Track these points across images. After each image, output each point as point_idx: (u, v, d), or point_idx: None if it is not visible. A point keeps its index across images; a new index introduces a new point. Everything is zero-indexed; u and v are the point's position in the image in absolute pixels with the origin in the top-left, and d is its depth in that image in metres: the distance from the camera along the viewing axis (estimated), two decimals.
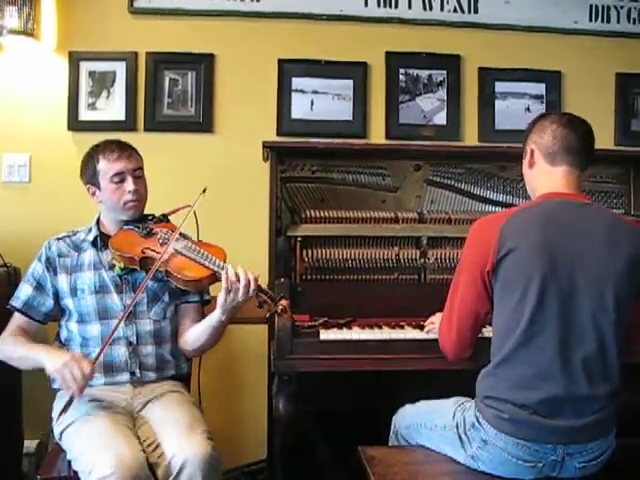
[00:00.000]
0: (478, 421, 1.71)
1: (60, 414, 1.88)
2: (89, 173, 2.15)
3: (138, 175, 2.16)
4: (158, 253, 2.04)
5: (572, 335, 1.64)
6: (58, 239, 2.19)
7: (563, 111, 3.02)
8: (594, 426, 1.65)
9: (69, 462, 1.88)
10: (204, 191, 2.13)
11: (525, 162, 1.91)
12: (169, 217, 2.23)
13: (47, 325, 2.19)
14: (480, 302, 1.78)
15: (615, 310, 1.66)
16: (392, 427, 2.05)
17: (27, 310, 2.11)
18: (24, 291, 2.12)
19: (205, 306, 2.24)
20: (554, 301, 1.65)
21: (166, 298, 2.18)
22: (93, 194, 2.16)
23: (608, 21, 3.13)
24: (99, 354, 1.95)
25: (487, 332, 1.89)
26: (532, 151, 1.87)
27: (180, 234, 2.12)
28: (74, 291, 2.11)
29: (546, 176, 1.83)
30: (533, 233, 1.69)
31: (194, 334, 2.13)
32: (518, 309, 1.67)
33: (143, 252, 2.06)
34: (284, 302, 1.97)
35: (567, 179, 1.80)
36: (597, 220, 1.74)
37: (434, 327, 2.08)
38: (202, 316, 2.18)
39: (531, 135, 1.88)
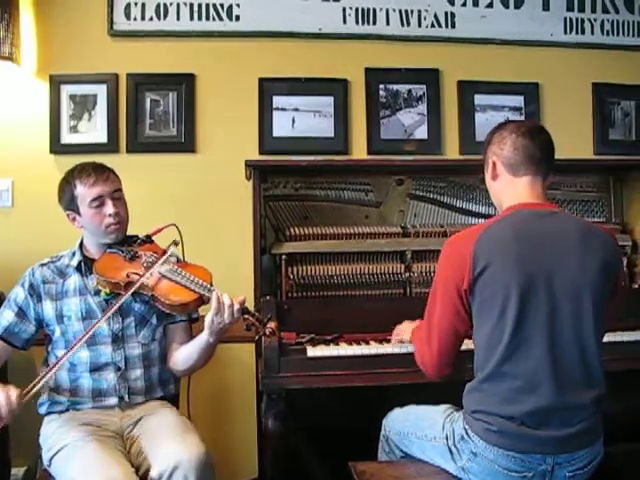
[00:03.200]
0: (467, 433, 1.72)
1: None
2: (67, 199, 2.13)
3: (117, 197, 2.14)
4: (141, 276, 2.04)
5: (554, 345, 1.65)
6: (42, 265, 2.17)
7: (539, 121, 3.07)
8: (582, 434, 1.66)
9: None
10: (176, 244, 2.15)
11: (487, 175, 1.90)
12: (152, 237, 2.22)
13: (32, 350, 2.18)
14: (459, 320, 1.76)
15: (594, 316, 1.67)
16: (382, 430, 2.06)
17: (7, 337, 2.08)
18: (5, 317, 2.09)
19: (193, 324, 2.24)
20: (534, 314, 1.65)
21: (154, 320, 2.17)
22: (74, 220, 2.15)
23: (583, 33, 3.18)
24: (59, 361, 1.92)
25: (469, 344, 1.86)
26: (494, 163, 1.86)
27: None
28: (60, 318, 2.10)
29: (510, 187, 1.83)
30: (505, 248, 1.69)
31: (184, 354, 2.13)
32: (499, 325, 1.66)
33: (128, 276, 2.05)
34: (272, 324, 1.97)
35: (531, 188, 1.81)
36: (567, 228, 1.74)
37: (401, 338, 2.14)
38: (190, 334, 2.19)
39: (491, 147, 1.88)
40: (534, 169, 1.81)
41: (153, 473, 1.81)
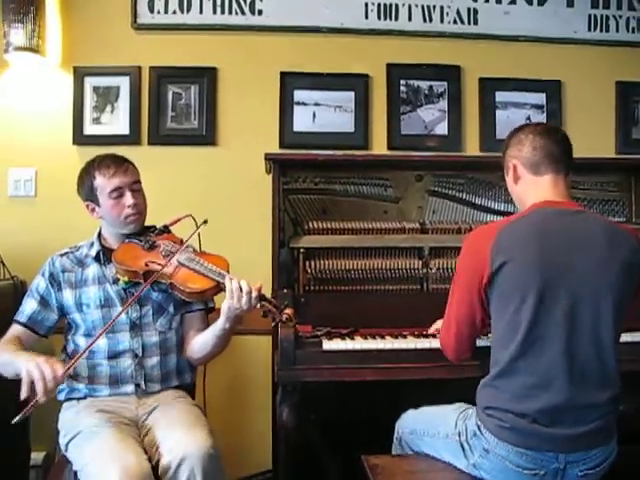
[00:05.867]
0: (479, 430, 1.72)
1: (19, 417, 1.76)
2: (86, 190, 2.16)
3: (136, 188, 2.17)
4: (161, 266, 2.07)
5: (570, 344, 1.64)
6: (61, 255, 2.21)
7: (560, 119, 3.08)
8: (595, 433, 1.65)
9: (75, 473, 1.89)
10: (205, 222, 2.15)
11: (509, 179, 1.90)
12: (170, 228, 2.25)
13: (51, 338, 2.21)
14: (476, 311, 1.78)
15: (613, 317, 1.66)
16: (395, 433, 2.06)
17: (32, 325, 2.12)
18: (29, 306, 2.13)
19: (210, 313, 2.26)
20: (551, 311, 1.65)
21: (171, 309, 2.20)
22: (93, 210, 2.18)
23: (607, 30, 3.15)
24: (81, 355, 1.95)
25: (487, 341, 1.88)
26: (515, 166, 1.86)
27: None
28: (79, 306, 2.13)
29: (533, 187, 1.83)
30: (527, 244, 1.69)
31: (200, 342, 2.15)
32: (515, 321, 1.67)
33: (146, 265, 2.08)
34: (289, 311, 1.99)
35: (554, 186, 1.80)
36: (590, 227, 1.74)
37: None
38: (207, 323, 2.21)
39: (509, 151, 1.88)
40: (555, 167, 1.81)
41: (162, 464, 1.83)
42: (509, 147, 1.89)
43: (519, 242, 1.71)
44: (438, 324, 2.15)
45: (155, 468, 1.84)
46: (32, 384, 1.79)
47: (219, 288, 2.04)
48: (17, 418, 1.76)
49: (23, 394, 1.78)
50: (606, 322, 1.66)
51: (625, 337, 2.08)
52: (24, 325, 2.11)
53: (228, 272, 2.05)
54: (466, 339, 1.84)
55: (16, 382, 1.82)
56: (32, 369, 1.79)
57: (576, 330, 1.65)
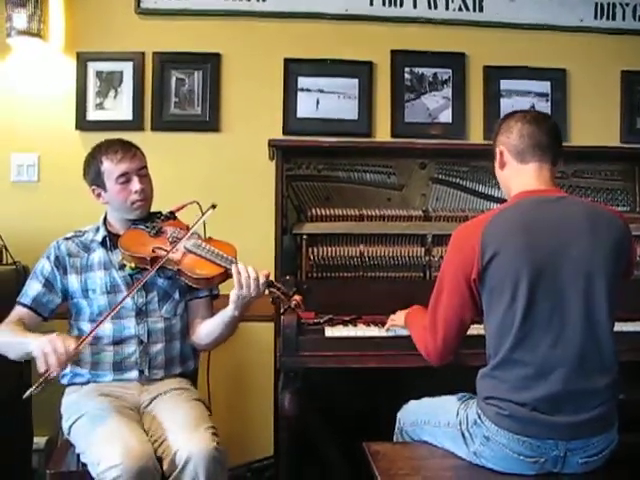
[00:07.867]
0: (480, 418, 1.72)
1: (32, 390, 1.78)
2: (93, 174, 2.15)
3: (143, 174, 2.16)
4: (168, 252, 2.06)
5: (566, 331, 1.65)
6: (66, 239, 2.20)
7: (565, 108, 3.08)
8: (595, 421, 1.65)
9: (78, 456, 1.90)
10: (214, 207, 2.15)
11: (496, 164, 1.91)
12: (176, 214, 2.25)
13: (54, 323, 2.20)
14: (467, 309, 1.77)
15: (607, 299, 1.66)
16: (397, 424, 2.06)
17: (36, 307, 2.11)
18: (33, 288, 2.12)
19: (214, 300, 2.26)
20: (544, 299, 1.65)
21: (177, 295, 2.20)
22: (99, 195, 2.18)
23: (614, 18, 3.12)
24: (92, 331, 1.94)
25: (480, 329, 1.86)
26: (501, 152, 1.87)
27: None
28: (85, 291, 2.13)
29: (517, 175, 1.84)
30: (514, 235, 1.69)
31: (207, 328, 2.15)
32: (509, 312, 1.66)
33: (154, 251, 2.08)
34: (297, 297, 2.00)
35: (538, 175, 1.81)
36: (574, 212, 1.74)
37: (394, 323, 2.13)
38: (212, 310, 2.21)
39: (498, 136, 1.89)
40: (540, 155, 1.82)
41: (165, 465, 1.82)
42: (498, 133, 1.90)
43: (506, 234, 1.70)
44: (395, 317, 2.16)
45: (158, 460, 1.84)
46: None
47: (227, 274, 2.03)
48: (28, 392, 1.77)
49: (40, 369, 1.79)
50: (600, 306, 1.66)
51: (625, 327, 2.12)
52: (28, 307, 2.10)
53: (236, 259, 2.05)
54: (454, 342, 1.82)
55: (16, 366, 1.80)
56: (44, 344, 1.80)
57: (570, 317, 1.65)
